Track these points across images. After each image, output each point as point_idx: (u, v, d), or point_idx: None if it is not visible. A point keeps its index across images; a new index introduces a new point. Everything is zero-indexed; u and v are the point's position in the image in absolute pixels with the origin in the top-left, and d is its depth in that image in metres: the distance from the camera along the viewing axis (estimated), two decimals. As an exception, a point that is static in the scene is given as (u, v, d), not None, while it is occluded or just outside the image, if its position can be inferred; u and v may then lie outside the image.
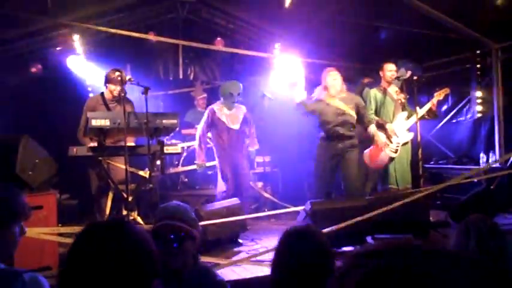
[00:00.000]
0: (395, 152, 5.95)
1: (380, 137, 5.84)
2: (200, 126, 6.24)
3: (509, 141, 6.84)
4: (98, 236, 1.39)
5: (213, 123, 6.20)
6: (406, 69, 6.61)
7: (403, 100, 6.03)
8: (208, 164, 6.43)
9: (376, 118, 6.03)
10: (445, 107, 8.07)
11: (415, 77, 5.94)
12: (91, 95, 5.54)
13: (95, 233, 1.41)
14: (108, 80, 5.27)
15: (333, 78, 5.82)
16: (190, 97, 8.28)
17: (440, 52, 7.65)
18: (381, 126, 5.98)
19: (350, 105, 5.80)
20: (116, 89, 5.19)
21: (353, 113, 5.78)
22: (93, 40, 7.25)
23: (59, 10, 6.37)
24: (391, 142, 5.96)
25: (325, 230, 4.19)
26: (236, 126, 6.20)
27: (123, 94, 4.88)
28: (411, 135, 6.03)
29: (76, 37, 6.90)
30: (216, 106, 6.28)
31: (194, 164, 6.42)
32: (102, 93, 5.43)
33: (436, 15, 6.43)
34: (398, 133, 5.97)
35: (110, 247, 1.33)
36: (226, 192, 5.99)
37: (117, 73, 5.09)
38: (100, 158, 4.71)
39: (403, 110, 6.08)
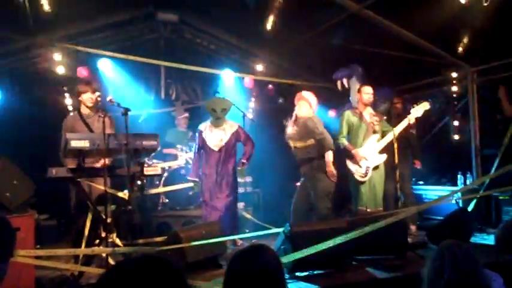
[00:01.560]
0: (365, 176, 6.00)
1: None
2: (193, 148, 6.33)
3: (485, 163, 6.97)
4: (133, 271, 1.35)
5: (203, 145, 6.21)
6: (383, 97, 6.80)
7: (375, 123, 6.06)
8: (192, 184, 6.46)
9: (345, 143, 6.10)
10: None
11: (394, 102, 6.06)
12: (68, 115, 5.49)
13: (129, 268, 1.38)
14: (79, 93, 5.28)
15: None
16: (171, 116, 8.29)
17: (417, 75, 7.80)
18: (349, 153, 6.07)
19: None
20: (90, 97, 5.19)
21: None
22: (74, 59, 7.21)
23: (40, 29, 6.36)
24: (360, 167, 6.02)
25: (304, 252, 4.22)
26: (216, 147, 6.14)
27: (111, 99, 4.86)
28: (383, 157, 6.06)
29: (57, 56, 6.85)
30: (202, 126, 6.29)
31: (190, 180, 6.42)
32: (78, 110, 5.39)
33: (414, 39, 6.60)
34: (368, 157, 6.01)
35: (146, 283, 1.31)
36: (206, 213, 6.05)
37: (86, 82, 5.14)
38: (79, 180, 4.66)
39: (375, 133, 6.12)
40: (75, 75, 7.06)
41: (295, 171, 6.56)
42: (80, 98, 5.31)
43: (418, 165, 6.85)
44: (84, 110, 5.33)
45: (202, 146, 6.21)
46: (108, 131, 5.02)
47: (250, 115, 7.04)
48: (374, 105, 6.35)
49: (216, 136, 6.18)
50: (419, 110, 6.03)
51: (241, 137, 6.29)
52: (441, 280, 2.00)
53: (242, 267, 1.96)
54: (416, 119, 6.07)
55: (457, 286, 2.00)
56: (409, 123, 6.04)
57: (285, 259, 4.22)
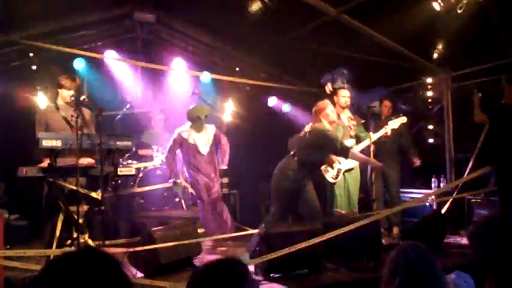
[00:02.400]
0: (336, 178, 6.05)
1: None
2: (167, 150, 6.39)
3: (459, 167, 7.07)
4: (70, 264, 1.36)
5: (182, 148, 6.28)
6: (379, 95, 6.87)
7: (352, 127, 6.14)
8: (167, 184, 6.51)
9: None
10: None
11: (371, 104, 6.12)
12: (45, 106, 5.30)
13: (67, 261, 1.37)
14: (60, 85, 5.12)
15: None
16: (148, 117, 8.21)
17: (393, 80, 7.88)
18: None
19: None
20: (69, 94, 5.03)
21: None
22: (49, 58, 7.08)
23: (15, 26, 6.24)
24: (332, 168, 6.07)
25: (279, 253, 4.22)
26: (205, 150, 6.35)
27: (85, 98, 4.77)
28: (355, 162, 6.10)
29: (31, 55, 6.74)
30: (183, 130, 6.31)
31: (170, 183, 6.51)
32: (55, 103, 5.23)
33: (392, 45, 6.67)
34: (341, 160, 6.04)
35: (83, 275, 1.32)
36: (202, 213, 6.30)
37: (70, 78, 5.02)
38: (50, 179, 4.57)
39: (351, 137, 6.18)
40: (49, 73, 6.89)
41: (271, 172, 6.55)
42: (59, 90, 5.14)
43: (417, 162, 6.93)
44: (60, 102, 5.16)
45: (186, 150, 6.33)
46: (85, 128, 4.95)
47: (226, 117, 7.04)
48: (357, 105, 6.41)
49: (202, 140, 6.37)
50: (396, 122, 6.24)
51: (220, 140, 6.57)
52: (394, 282, 1.99)
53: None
54: (392, 129, 6.21)
55: None
56: (385, 134, 6.16)
57: (260, 260, 4.21)
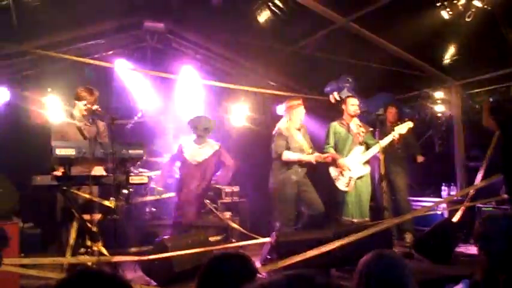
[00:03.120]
0: (347, 186, 6.07)
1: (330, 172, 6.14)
2: (167, 157, 6.34)
3: (469, 175, 7.06)
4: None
5: (179, 159, 6.31)
6: (384, 102, 6.87)
7: (361, 134, 6.15)
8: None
9: (331, 152, 6.17)
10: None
11: (378, 113, 6.14)
12: (61, 120, 5.39)
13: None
14: (78, 97, 5.19)
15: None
16: (159, 125, 8.27)
17: (404, 88, 7.89)
18: (333, 161, 6.14)
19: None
20: (86, 107, 5.11)
21: None
22: (61, 67, 7.18)
23: (25, 36, 6.32)
24: (343, 176, 6.09)
25: (290, 262, 4.24)
26: (194, 161, 6.22)
27: (98, 108, 4.82)
28: (367, 169, 6.14)
29: (42, 64, 6.83)
30: (185, 141, 6.33)
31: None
32: (70, 114, 5.31)
33: (402, 54, 6.70)
34: (351, 167, 6.07)
35: None
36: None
37: (88, 91, 5.08)
38: (64, 188, 4.63)
39: (361, 144, 6.20)
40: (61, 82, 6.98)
41: None
42: (76, 102, 5.23)
43: (420, 159, 6.96)
44: (76, 113, 5.25)
45: (180, 160, 6.31)
46: (99, 138, 5.03)
47: (236, 125, 7.08)
48: (366, 112, 6.43)
49: (196, 152, 6.25)
50: (403, 127, 6.21)
51: (222, 158, 6.36)
52: None
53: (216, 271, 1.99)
54: (400, 135, 6.19)
55: None
56: (393, 139, 6.15)
57: (270, 267, 4.23)
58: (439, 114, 7.58)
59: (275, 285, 0.95)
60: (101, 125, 5.20)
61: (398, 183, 6.75)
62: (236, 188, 7.66)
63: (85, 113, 5.13)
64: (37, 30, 6.35)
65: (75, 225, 4.70)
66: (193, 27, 7.67)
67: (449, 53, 6.70)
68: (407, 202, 6.82)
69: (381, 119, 6.51)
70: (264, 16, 6.42)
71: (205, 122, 6.34)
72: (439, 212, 6.72)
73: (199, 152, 6.26)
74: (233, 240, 6.66)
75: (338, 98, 7.43)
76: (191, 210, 6.16)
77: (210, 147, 6.32)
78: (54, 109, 6.86)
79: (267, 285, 0.99)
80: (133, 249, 5.49)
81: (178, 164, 6.48)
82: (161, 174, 6.44)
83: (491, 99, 5.94)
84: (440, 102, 7.52)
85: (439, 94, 7.51)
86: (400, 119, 6.66)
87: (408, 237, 6.50)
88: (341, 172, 6.10)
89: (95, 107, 5.09)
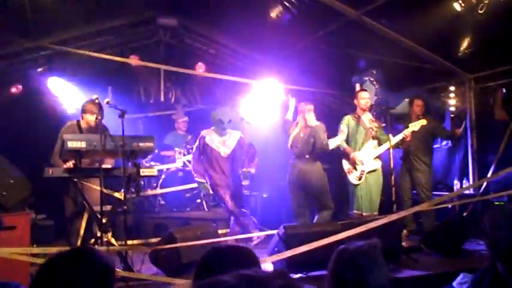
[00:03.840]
0: (359, 180, 6.07)
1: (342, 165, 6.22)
2: (193, 152, 6.41)
3: (482, 169, 6.99)
4: (64, 263, 1.56)
5: (204, 150, 6.31)
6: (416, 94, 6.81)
7: (374, 128, 6.13)
8: (188, 186, 6.52)
9: (344, 146, 6.17)
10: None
11: (389, 106, 6.12)
12: (69, 123, 5.50)
13: (61, 261, 1.59)
14: (84, 111, 5.31)
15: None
16: (170, 120, 8.35)
17: (416, 81, 7.82)
18: (346, 154, 6.13)
19: None
20: (92, 119, 5.21)
21: None
22: (74, 62, 7.28)
23: (40, 32, 6.43)
24: (355, 169, 6.09)
25: (297, 254, 4.25)
26: (226, 153, 6.31)
27: (99, 117, 4.90)
28: (378, 163, 6.12)
29: (57, 59, 6.93)
30: (206, 132, 6.38)
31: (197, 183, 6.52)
32: (78, 121, 5.43)
33: (412, 46, 6.65)
34: (364, 161, 6.07)
35: (76, 274, 1.52)
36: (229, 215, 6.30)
37: (94, 103, 5.16)
38: (75, 180, 4.71)
39: (373, 139, 6.18)
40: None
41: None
42: (83, 115, 5.36)
43: (458, 132, 6.90)
44: (84, 125, 5.38)
45: (205, 153, 6.32)
46: None
47: (248, 118, 7.11)
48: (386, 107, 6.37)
49: (223, 143, 6.34)
50: (416, 125, 6.17)
51: (242, 144, 6.44)
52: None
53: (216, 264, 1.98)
54: (413, 132, 6.15)
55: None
56: (404, 137, 6.13)
57: (277, 257, 4.26)
58: (452, 109, 7.47)
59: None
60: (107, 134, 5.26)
61: (419, 179, 6.56)
62: (246, 182, 7.68)
63: (93, 124, 5.24)
64: (52, 26, 6.47)
65: (85, 216, 4.79)
66: (205, 22, 7.71)
67: (463, 46, 6.63)
68: (427, 199, 6.51)
69: (391, 113, 6.39)
70: (275, 10, 6.44)
71: (229, 113, 6.45)
72: (449, 206, 6.66)
73: (226, 142, 6.35)
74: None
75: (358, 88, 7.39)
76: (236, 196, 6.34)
77: (235, 136, 6.43)
78: (67, 97, 6.95)
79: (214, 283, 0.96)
80: (142, 241, 5.56)
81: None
82: (197, 167, 6.35)
83: (503, 90, 5.83)
84: (454, 97, 7.42)
85: (452, 88, 7.40)
86: (427, 113, 6.58)
87: (404, 232, 6.42)
88: (353, 166, 6.10)
89: (106, 99, 5.16)
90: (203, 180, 6.36)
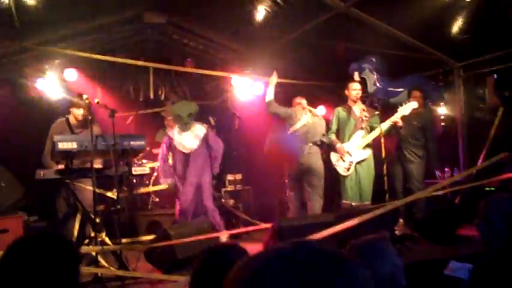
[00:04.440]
0: (348, 171, 6.09)
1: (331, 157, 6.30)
2: (160, 151, 6.34)
3: (472, 157, 7.03)
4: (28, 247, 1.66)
5: (171, 148, 6.29)
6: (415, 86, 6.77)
7: (364, 118, 6.11)
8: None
9: (333, 138, 6.19)
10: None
11: (380, 97, 6.12)
12: (58, 120, 5.51)
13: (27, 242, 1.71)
14: (71, 105, 5.33)
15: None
16: (161, 117, 8.33)
17: (405, 71, 7.83)
18: (333, 146, 6.21)
19: None
20: (79, 113, 5.23)
21: None
22: (62, 62, 7.23)
23: (27, 32, 6.37)
24: (343, 161, 6.11)
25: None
26: (188, 149, 6.19)
27: (89, 117, 4.89)
28: (368, 152, 6.12)
29: (45, 60, 6.88)
30: (171, 131, 6.34)
31: (162, 183, 6.43)
32: (67, 119, 5.44)
33: (402, 37, 6.66)
34: (352, 152, 6.08)
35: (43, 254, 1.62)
36: (183, 214, 6.08)
37: (81, 97, 5.14)
38: (67, 181, 4.70)
39: (362, 129, 6.17)
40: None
41: (285, 167, 6.72)
42: (70, 109, 5.37)
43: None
44: (73, 120, 5.39)
45: (172, 151, 6.27)
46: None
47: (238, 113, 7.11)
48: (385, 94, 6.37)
49: (186, 140, 6.21)
50: (406, 108, 6.05)
51: (211, 140, 6.34)
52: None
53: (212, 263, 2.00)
54: (403, 117, 6.06)
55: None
56: (395, 122, 6.07)
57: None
58: (442, 117, 7.48)
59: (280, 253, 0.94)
60: (96, 129, 5.25)
61: (411, 171, 6.55)
62: (239, 176, 7.70)
63: (80, 118, 5.26)
64: (37, 26, 6.40)
65: (78, 216, 4.78)
66: (193, 18, 7.67)
67: (451, 34, 6.65)
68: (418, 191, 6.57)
69: (383, 103, 6.39)
70: (263, 4, 6.42)
71: (188, 107, 6.29)
72: (440, 194, 6.67)
73: (188, 138, 6.21)
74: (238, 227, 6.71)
75: (359, 79, 7.37)
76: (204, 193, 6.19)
77: (199, 131, 6.28)
78: (51, 85, 6.90)
79: (271, 252, 0.96)
80: (137, 239, 5.56)
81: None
82: (164, 167, 6.31)
83: (495, 76, 5.82)
84: (444, 105, 7.41)
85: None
86: (426, 104, 6.55)
87: (401, 222, 6.47)
88: (341, 157, 6.12)
89: (96, 100, 5.14)
90: (170, 182, 6.25)
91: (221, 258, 1.99)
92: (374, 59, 7.09)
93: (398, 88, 7.05)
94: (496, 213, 2.54)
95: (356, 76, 7.33)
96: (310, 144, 6.28)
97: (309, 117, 6.41)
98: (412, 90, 6.76)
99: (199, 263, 2.02)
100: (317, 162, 6.28)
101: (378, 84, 7.08)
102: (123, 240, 4.97)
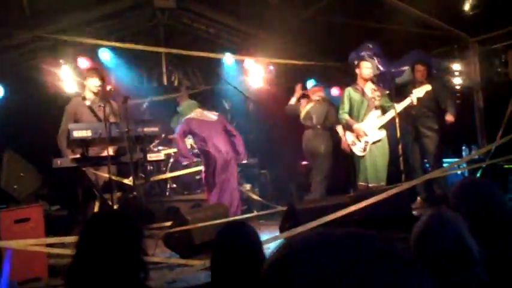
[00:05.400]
0: (364, 151, 6.04)
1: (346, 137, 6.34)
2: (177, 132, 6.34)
3: (491, 134, 6.92)
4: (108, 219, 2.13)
5: (193, 129, 6.22)
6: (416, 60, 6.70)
7: (377, 98, 6.06)
8: (198, 168, 6.58)
9: (347, 118, 6.14)
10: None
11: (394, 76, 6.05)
12: (73, 98, 5.47)
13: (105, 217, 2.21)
14: (85, 77, 5.27)
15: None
16: (175, 103, 8.34)
17: (420, 47, 7.72)
18: (349, 126, 6.13)
19: None
20: (94, 84, 5.17)
21: None
22: (75, 50, 7.26)
23: (38, 21, 6.41)
24: (359, 141, 6.06)
25: (306, 227, 4.29)
26: (210, 118, 6.27)
27: (111, 88, 4.88)
28: (383, 133, 6.06)
29: (59, 48, 6.92)
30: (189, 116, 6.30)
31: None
32: (83, 97, 5.39)
33: (415, 13, 6.54)
34: (368, 132, 6.03)
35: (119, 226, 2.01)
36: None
37: (96, 68, 5.16)
38: (84, 169, 4.76)
39: (376, 108, 6.12)
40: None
41: (301, 150, 6.75)
42: (85, 82, 5.31)
43: (449, 118, 6.51)
44: (89, 95, 5.32)
45: (196, 129, 6.18)
46: (113, 118, 5.11)
47: (252, 96, 7.11)
48: (389, 75, 6.34)
49: (203, 114, 6.28)
50: (421, 91, 6.03)
51: (229, 127, 6.43)
52: None
53: (227, 244, 2.11)
54: (418, 99, 6.02)
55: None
56: (411, 103, 6.03)
57: (287, 234, 4.30)
58: (457, 73, 7.36)
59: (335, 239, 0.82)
60: (114, 104, 5.27)
61: (429, 148, 6.52)
62: (255, 160, 7.71)
63: (95, 90, 5.20)
64: (49, 15, 6.44)
65: (96, 204, 4.84)
66: (203, 1, 7.63)
67: (465, 9, 6.51)
68: (437, 168, 6.49)
69: (395, 82, 6.32)
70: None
71: (193, 107, 6.37)
72: (459, 173, 6.62)
73: (206, 114, 6.29)
74: (254, 211, 6.74)
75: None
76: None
77: (215, 116, 6.36)
78: (68, 80, 6.95)
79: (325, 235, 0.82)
80: (154, 225, 5.62)
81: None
82: (184, 149, 6.30)
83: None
84: (459, 75, 7.27)
85: (456, 67, 7.26)
86: (429, 77, 6.48)
87: (418, 200, 6.44)
88: (357, 137, 6.08)
89: (109, 87, 5.16)
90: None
91: (233, 235, 2.13)
92: (370, 45, 7.01)
93: (401, 67, 6.99)
94: (459, 197, 2.44)
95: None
96: (316, 127, 6.76)
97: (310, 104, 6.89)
98: (415, 65, 6.68)
99: (215, 246, 2.15)
100: (319, 145, 6.71)
101: (381, 68, 7.01)
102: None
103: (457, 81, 7.24)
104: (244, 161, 6.68)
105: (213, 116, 6.29)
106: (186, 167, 6.98)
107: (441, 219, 1.97)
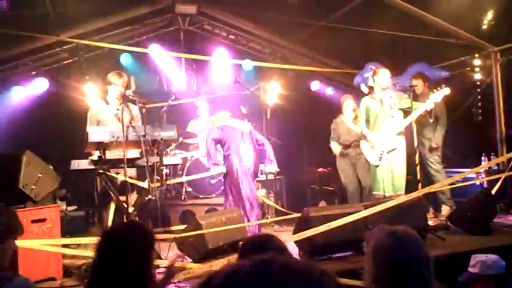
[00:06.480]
0: (379, 160, 5.96)
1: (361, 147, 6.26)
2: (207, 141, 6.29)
3: (510, 144, 6.83)
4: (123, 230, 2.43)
5: (222, 135, 6.14)
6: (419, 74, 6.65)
7: (393, 106, 5.97)
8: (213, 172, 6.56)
9: (362, 129, 6.09)
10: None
11: (413, 84, 5.97)
12: (92, 108, 5.58)
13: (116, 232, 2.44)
14: (109, 82, 5.33)
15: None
16: (194, 107, 8.40)
17: (440, 57, 7.65)
18: (364, 136, 6.09)
19: None
20: (117, 90, 5.23)
21: None
22: (97, 55, 7.39)
23: (62, 26, 6.55)
24: (374, 150, 5.97)
25: (320, 237, 4.28)
26: (246, 128, 6.27)
27: (130, 93, 4.94)
28: (399, 141, 5.92)
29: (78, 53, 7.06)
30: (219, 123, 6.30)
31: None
32: (105, 102, 5.46)
33: (436, 21, 6.51)
34: (383, 141, 5.96)
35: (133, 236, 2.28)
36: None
37: (118, 74, 5.21)
38: (101, 171, 4.81)
39: (392, 117, 6.01)
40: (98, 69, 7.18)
41: (317, 157, 6.71)
42: (108, 87, 5.37)
43: (434, 146, 6.55)
44: (110, 99, 5.38)
45: (225, 137, 6.12)
46: (132, 121, 5.17)
47: (269, 102, 7.12)
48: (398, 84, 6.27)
49: (238, 124, 6.23)
50: (438, 94, 5.76)
51: (259, 137, 6.34)
52: None
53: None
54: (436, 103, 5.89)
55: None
56: (427, 109, 5.89)
57: (298, 237, 4.31)
58: (478, 83, 7.27)
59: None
60: (135, 109, 5.33)
61: (424, 156, 6.51)
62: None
63: (117, 96, 5.25)
64: (72, 20, 6.56)
65: (112, 206, 4.89)
66: (224, 8, 7.70)
67: (487, 19, 6.44)
68: (431, 165, 6.56)
69: (414, 90, 6.21)
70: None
71: (225, 117, 6.30)
72: (477, 183, 6.52)
73: (240, 123, 6.22)
74: (268, 217, 6.74)
75: (366, 89, 7.25)
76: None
77: (246, 126, 6.28)
78: (93, 96, 7.05)
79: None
80: (169, 228, 5.65)
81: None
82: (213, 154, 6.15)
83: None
84: (479, 70, 7.21)
85: (477, 62, 7.18)
86: (432, 87, 6.39)
87: (444, 209, 6.35)
88: (372, 147, 6.00)
89: (128, 92, 5.21)
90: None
91: (258, 249, 2.08)
92: (372, 66, 6.95)
93: (405, 82, 6.90)
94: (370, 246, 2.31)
95: (363, 87, 7.23)
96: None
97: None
98: (412, 79, 6.58)
99: (239, 255, 2.17)
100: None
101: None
102: (156, 230, 5.05)
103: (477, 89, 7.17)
104: (277, 169, 6.59)
105: (245, 127, 6.27)
106: (205, 170, 6.95)
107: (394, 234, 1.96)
